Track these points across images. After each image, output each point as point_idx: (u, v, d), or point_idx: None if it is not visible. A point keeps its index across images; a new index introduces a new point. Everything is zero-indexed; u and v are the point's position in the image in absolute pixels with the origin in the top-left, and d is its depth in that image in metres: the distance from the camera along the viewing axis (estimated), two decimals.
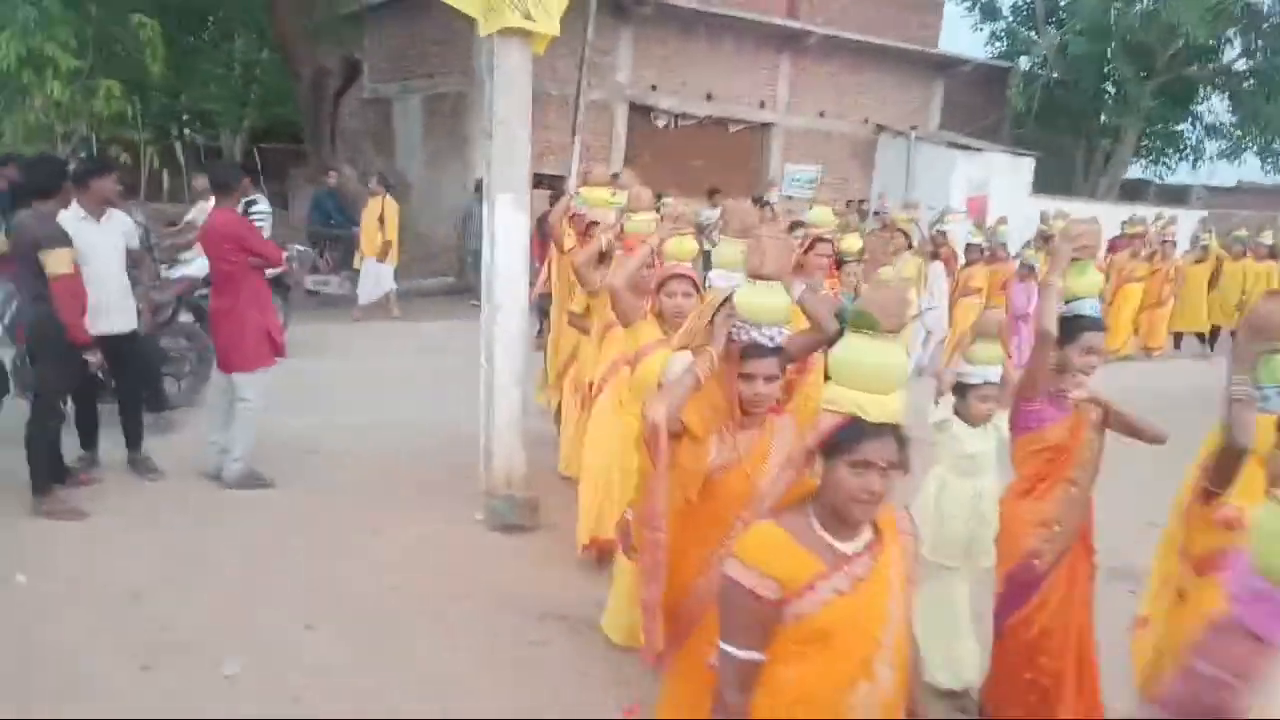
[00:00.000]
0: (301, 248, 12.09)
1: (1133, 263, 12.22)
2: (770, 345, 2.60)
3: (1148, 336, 12.61)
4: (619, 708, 3.59)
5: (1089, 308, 3.30)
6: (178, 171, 17.86)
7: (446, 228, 15.16)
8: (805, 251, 4.86)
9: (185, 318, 7.18)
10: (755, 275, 2.65)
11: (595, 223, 5.52)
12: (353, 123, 18.82)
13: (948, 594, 3.77)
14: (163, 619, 4.06)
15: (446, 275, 14.07)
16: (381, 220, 11.36)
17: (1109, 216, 13.70)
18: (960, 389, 3.69)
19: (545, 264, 7.03)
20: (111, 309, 5.35)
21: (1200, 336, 13.30)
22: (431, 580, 4.61)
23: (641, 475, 2.90)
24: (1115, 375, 3.98)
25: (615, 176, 6.45)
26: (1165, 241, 12.60)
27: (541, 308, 7.56)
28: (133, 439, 5.75)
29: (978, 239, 10.77)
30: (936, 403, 3.84)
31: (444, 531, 5.21)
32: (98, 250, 5.22)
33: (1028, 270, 9.99)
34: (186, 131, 19.51)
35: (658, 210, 5.33)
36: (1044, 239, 11.40)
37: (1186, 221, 15.70)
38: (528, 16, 4.78)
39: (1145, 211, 16.14)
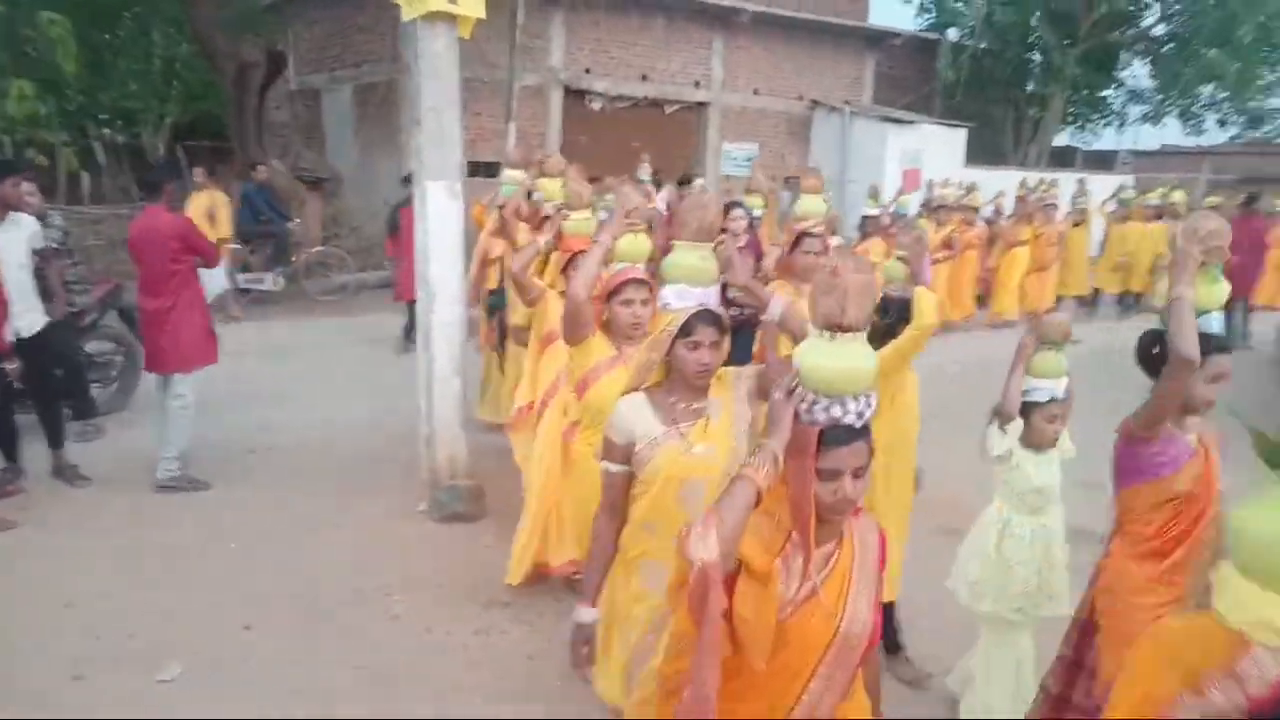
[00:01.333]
0: (233, 245, 11.85)
1: (1016, 227, 12.14)
2: (859, 425, 1.88)
3: (1033, 300, 12.29)
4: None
5: (1215, 324, 2.76)
6: (98, 172, 17.32)
7: (382, 220, 14.94)
8: (791, 250, 4.17)
9: (111, 322, 6.96)
10: (831, 326, 1.87)
11: (547, 218, 5.01)
12: (280, 115, 18.44)
13: (1013, 650, 3.33)
14: (96, 627, 3.96)
15: (384, 268, 13.87)
16: (212, 217, 10.61)
17: (1090, 186, 14.16)
18: (1022, 408, 3.21)
19: (479, 260, 6.40)
20: (13, 313, 5.18)
21: (1081, 300, 13.21)
22: (374, 574, 4.55)
23: (676, 639, 2.01)
24: (1007, 341, 3.99)
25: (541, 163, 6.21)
26: (1047, 205, 12.47)
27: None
28: (53, 438, 5.60)
29: (874, 210, 10.42)
30: (1001, 430, 3.25)
31: (387, 524, 5.15)
32: None
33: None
34: (106, 130, 18.88)
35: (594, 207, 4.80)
36: (932, 209, 11.49)
37: (1108, 185, 15.99)
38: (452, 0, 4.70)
39: (1070, 177, 16.55)
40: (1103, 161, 26.90)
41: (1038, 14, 20.19)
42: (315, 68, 17.69)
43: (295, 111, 18.48)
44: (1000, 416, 3.21)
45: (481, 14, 4.78)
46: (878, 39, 20.32)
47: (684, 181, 10.38)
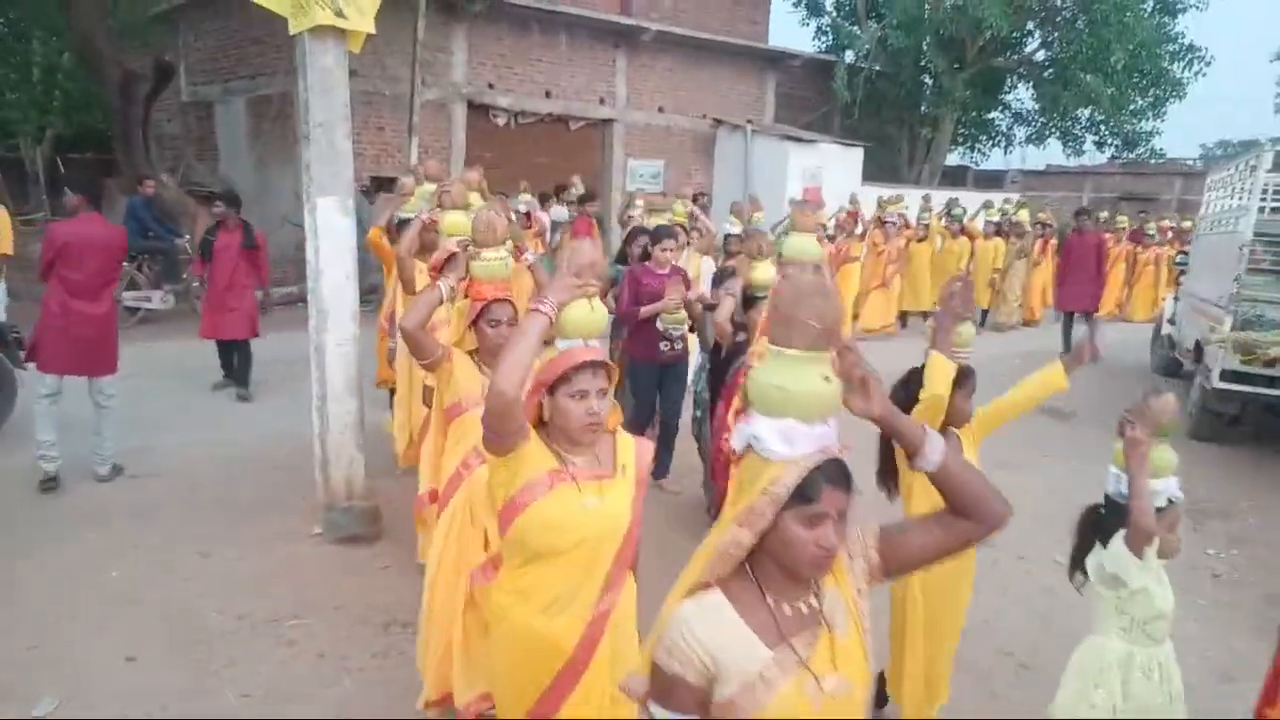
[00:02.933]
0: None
1: (849, 242, 12.14)
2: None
3: (871, 317, 12.45)
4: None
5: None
6: None
7: (280, 235, 14.55)
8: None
9: None
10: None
11: (452, 255, 3.70)
12: (171, 128, 17.83)
13: None
14: None
15: (282, 284, 13.51)
16: None
17: (934, 201, 14.62)
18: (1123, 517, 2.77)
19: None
20: None
21: (925, 315, 12.93)
22: (267, 599, 4.43)
23: None
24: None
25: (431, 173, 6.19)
26: (886, 222, 12.68)
27: None
28: None
29: (736, 229, 9.12)
30: (1103, 543, 2.84)
31: (280, 548, 5.02)
32: None
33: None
34: None
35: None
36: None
37: (975, 203, 16.63)
38: (339, 14, 4.65)
39: (966, 195, 17.30)
40: (993, 181, 28.09)
41: (928, 39, 21.02)
42: (208, 79, 17.17)
43: (187, 124, 17.88)
44: (1136, 536, 2.70)
45: (371, 29, 4.74)
46: (777, 60, 20.85)
47: (584, 199, 10.43)
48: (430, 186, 5.97)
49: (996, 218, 14.16)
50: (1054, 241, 14.78)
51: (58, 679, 3.68)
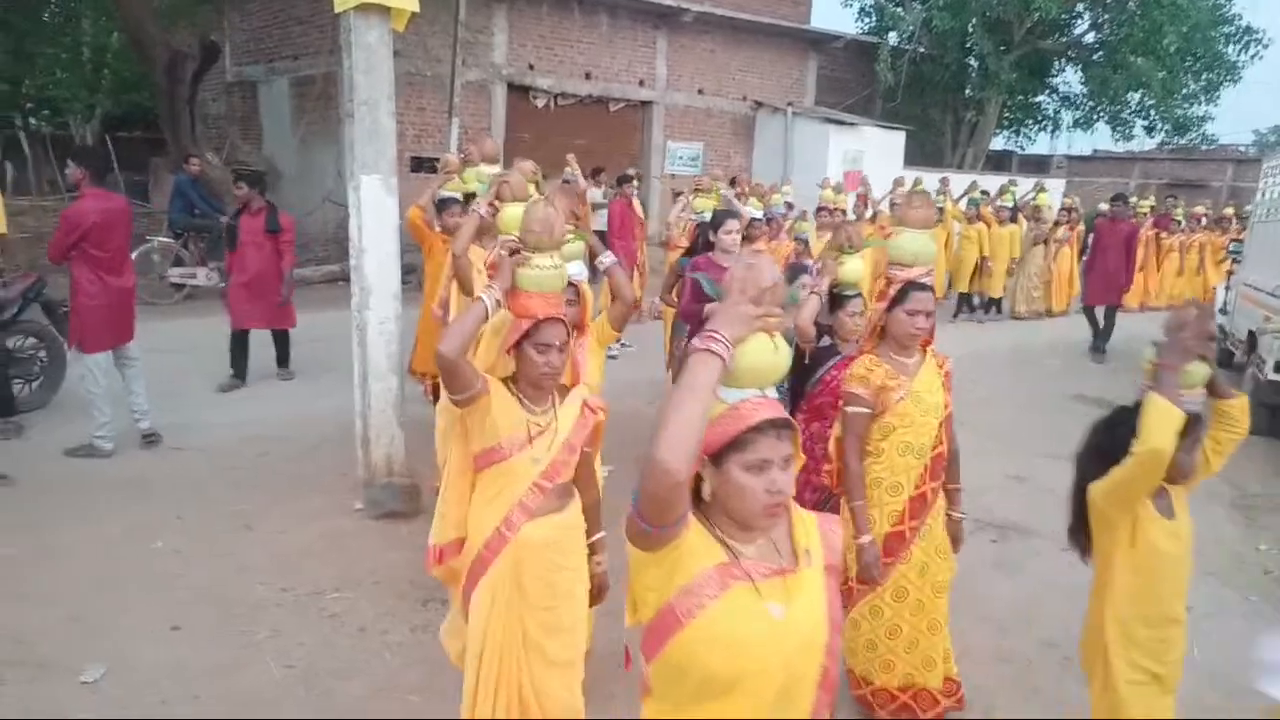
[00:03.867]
0: (164, 239, 11.57)
1: (858, 225, 11.62)
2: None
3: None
4: None
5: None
6: (23, 163, 16.75)
7: (322, 214, 14.70)
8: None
9: (34, 316, 6.74)
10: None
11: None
12: (216, 107, 18.05)
13: None
14: (14, 630, 3.84)
15: (324, 262, 13.67)
16: None
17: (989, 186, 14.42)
18: None
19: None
20: None
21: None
22: (308, 573, 4.49)
23: None
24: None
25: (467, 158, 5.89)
26: (894, 205, 11.76)
27: None
28: None
29: (757, 212, 8.90)
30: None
31: (322, 523, 5.08)
32: None
33: (802, 245, 8.10)
34: (31, 120, 18.27)
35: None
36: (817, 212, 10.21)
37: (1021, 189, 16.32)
38: None
39: (1009, 181, 16.95)
40: (1038, 166, 27.61)
41: (974, 21, 20.62)
42: (252, 59, 17.32)
43: (231, 103, 18.08)
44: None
45: (415, 7, 4.74)
46: (819, 42, 20.59)
47: (623, 180, 10.35)
48: (487, 168, 5.43)
49: (1010, 203, 13.53)
50: (1080, 228, 14.27)
51: (103, 647, 3.76)
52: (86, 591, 4.22)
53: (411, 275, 9.48)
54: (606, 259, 3.41)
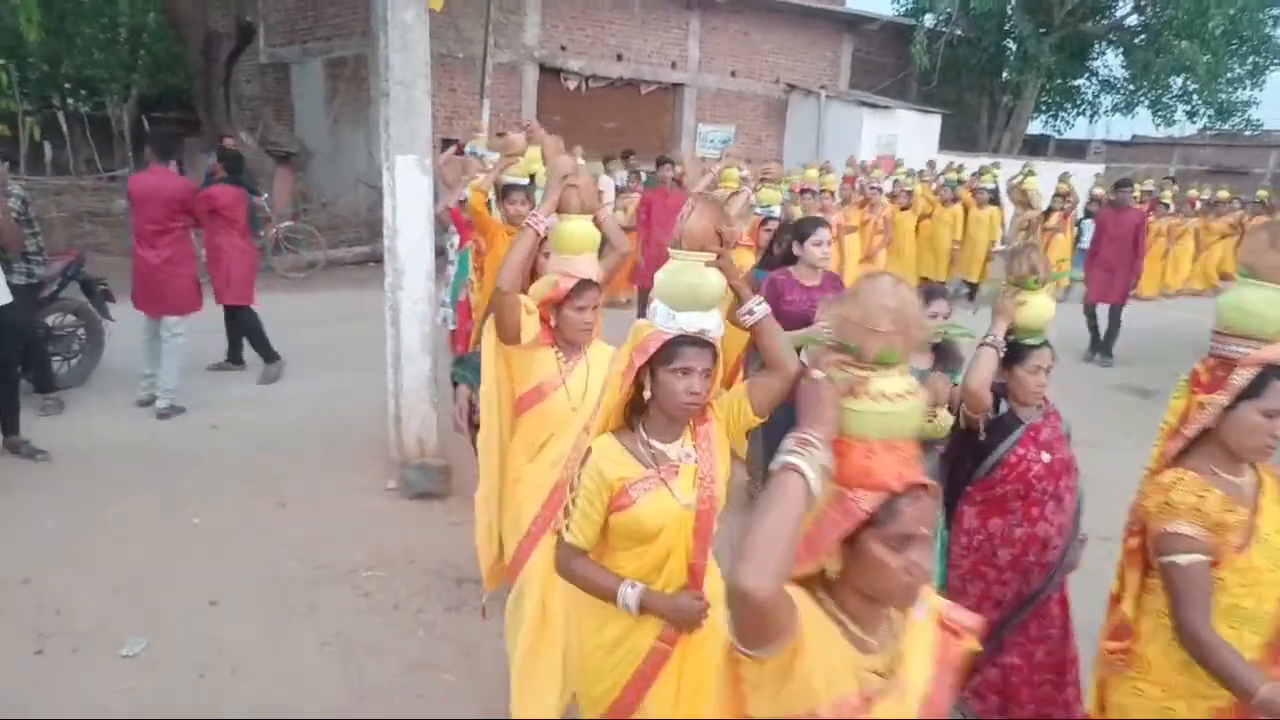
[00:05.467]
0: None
1: (844, 209, 10.80)
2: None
3: None
4: None
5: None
6: (62, 143, 16.97)
7: (353, 195, 14.78)
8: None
9: (72, 294, 6.83)
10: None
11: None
12: (250, 89, 18.17)
13: None
14: (56, 602, 3.90)
15: (356, 244, 13.74)
16: None
17: (1011, 170, 14.09)
18: None
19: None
20: None
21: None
22: (342, 551, 4.52)
23: None
24: None
25: (501, 135, 5.71)
26: (874, 189, 11.61)
27: None
28: (8, 423, 5.50)
29: (776, 208, 7.82)
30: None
31: (355, 502, 5.11)
32: None
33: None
34: (70, 101, 18.47)
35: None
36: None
37: (1084, 175, 16.05)
38: None
39: (1044, 165, 16.67)
40: (1076, 151, 27.13)
41: (1014, 2, 20.27)
42: (286, 40, 17.40)
43: (265, 85, 18.19)
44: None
45: None
46: (854, 23, 20.33)
47: (660, 163, 10.16)
48: (537, 150, 5.23)
49: (990, 184, 12.86)
50: (1075, 214, 13.41)
51: (144, 620, 3.81)
52: (127, 565, 4.28)
53: (438, 258, 9.46)
54: (758, 309, 2.27)
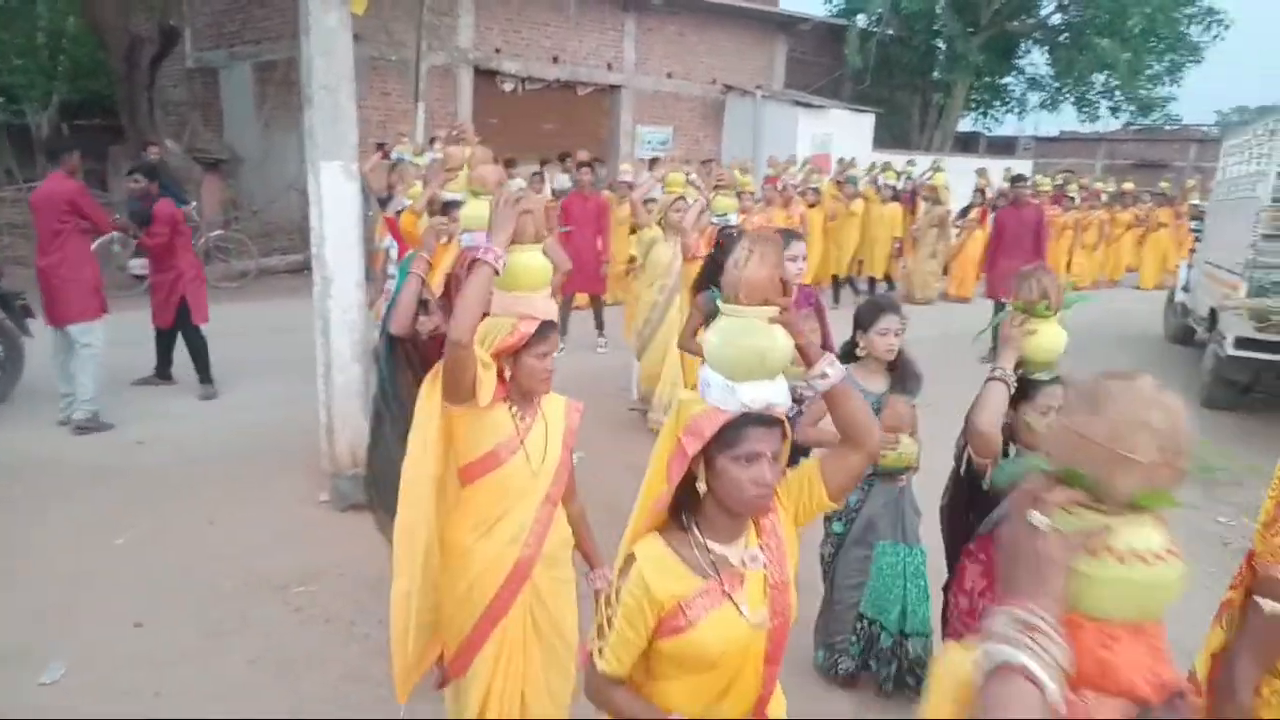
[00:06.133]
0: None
1: (768, 210, 11.02)
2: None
3: None
4: None
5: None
6: None
7: (285, 202, 14.51)
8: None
9: None
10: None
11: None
12: (177, 94, 17.73)
13: None
14: None
15: (289, 252, 13.49)
16: None
17: (949, 167, 14.34)
18: None
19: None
20: None
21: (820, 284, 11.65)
22: (273, 565, 4.43)
23: None
24: None
25: (433, 141, 5.75)
26: (794, 186, 11.86)
27: None
28: None
29: (733, 214, 7.48)
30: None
31: (286, 515, 5.02)
32: None
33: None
34: None
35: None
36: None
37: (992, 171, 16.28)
38: None
39: (982, 163, 17.06)
40: (1006, 147, 27.81)
41: (942, 3, 20.70)
42: (213, 44, 17.02)
43: (192, 90, 17.77)
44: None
45: None
46: (788, 24, 20.56)
47: (580, 165, 10.02)
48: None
49: (894, 180, 13.09)
50: (989, 209, 13.30)
51: (66, 643, 3.69)
52: (49, 587, 4.15)
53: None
54: (832, 370, 1.81)
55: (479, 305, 2.31)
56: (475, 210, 3.60)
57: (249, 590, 4.21)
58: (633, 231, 7.87)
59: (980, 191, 13.42)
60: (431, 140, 11.34)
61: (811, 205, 12.09)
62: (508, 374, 2.50)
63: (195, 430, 6.31)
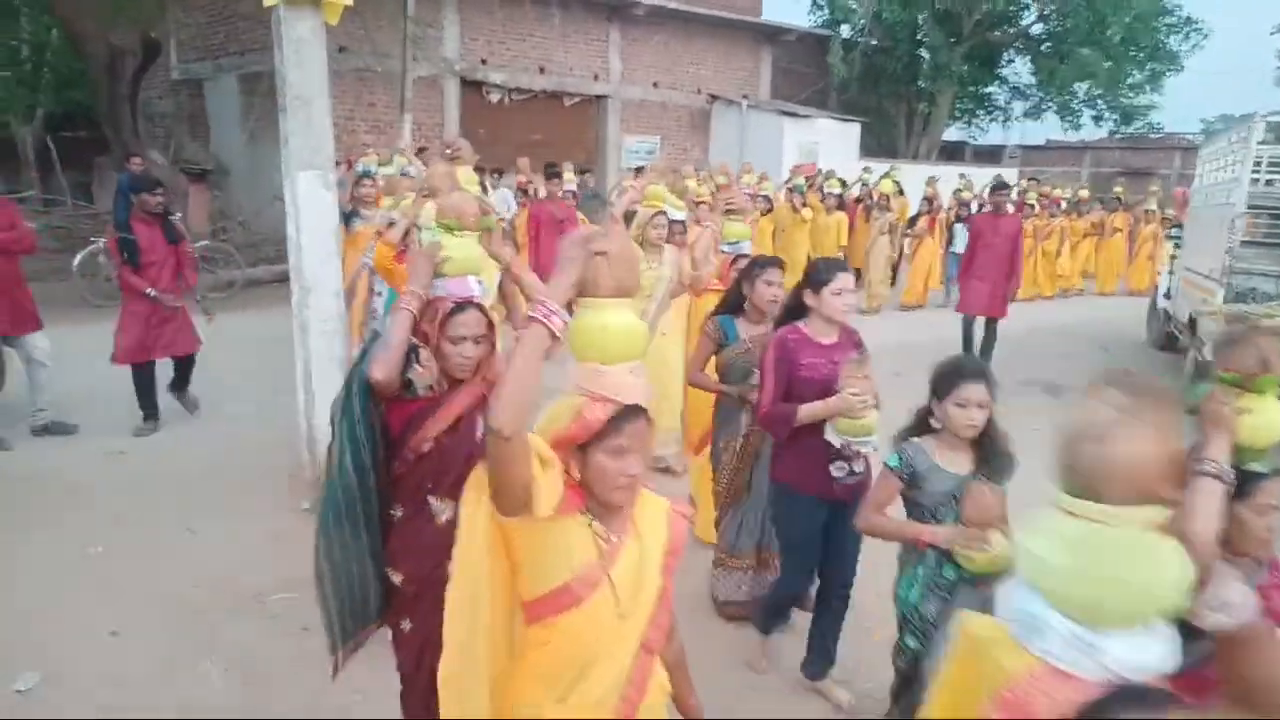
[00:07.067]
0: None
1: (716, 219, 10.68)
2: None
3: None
4: None
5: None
6: None
7: (271, 213, 14.49)
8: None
9: None
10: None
11: None
12: (162, 105, 17.73)
13: None
14: None
15: (276, 262, 13.47)
16: None
17: (928, 176, 14.47)
18: None
19: None
20: None
21: None
22: (252, 574, 4.43)
23: None
24: None
25: (421, 151, 5.73)
26: (755, 196, 11.32)
27: None
28: None
29: (679, 215, 7.02)
30: None
31: (266, 524, 5.01)
32: None
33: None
34: None
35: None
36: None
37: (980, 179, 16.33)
38: None
39: (968, 171, 17.17)
40: (991, 156, 27.99)
41: (925, 13, 20.87)
42: (199, 56, 17.03)
43: (179, 101, 17.77)
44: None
45: (348, 0, 4.69)
46: (773, 34, 20.70)
47: (550, 176, 10.05)
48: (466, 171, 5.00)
49: (838, 189, 12.87)
50: (941, 216, 13.34)
51: (40, 654, 3.69)
52: (24, 597, 4.14)
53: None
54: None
55: (528, 383, 1.66)
56: (458, 251, 2.72)
57: (227, 597, 4.21)
58: None
59: (928, 200, 13.32)
60: (420, 150, 11.38)
61: (765, 213, 11.94)
62: (578, 474, 1.81)
63: (176, 441, 6.31)
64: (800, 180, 13.09)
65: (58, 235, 13.15)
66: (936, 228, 13.20)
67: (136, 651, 3.76)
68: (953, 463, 2.80)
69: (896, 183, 13.16)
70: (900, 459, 2.84)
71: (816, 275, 3.42)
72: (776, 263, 4.08)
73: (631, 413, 1.76)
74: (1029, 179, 17.36)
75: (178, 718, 3.35)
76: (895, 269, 13.13)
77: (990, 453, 2.80)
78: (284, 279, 12.68)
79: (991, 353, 8.93)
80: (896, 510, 2.92)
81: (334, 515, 2.62)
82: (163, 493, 5.38)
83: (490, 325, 2.59)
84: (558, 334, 1.70)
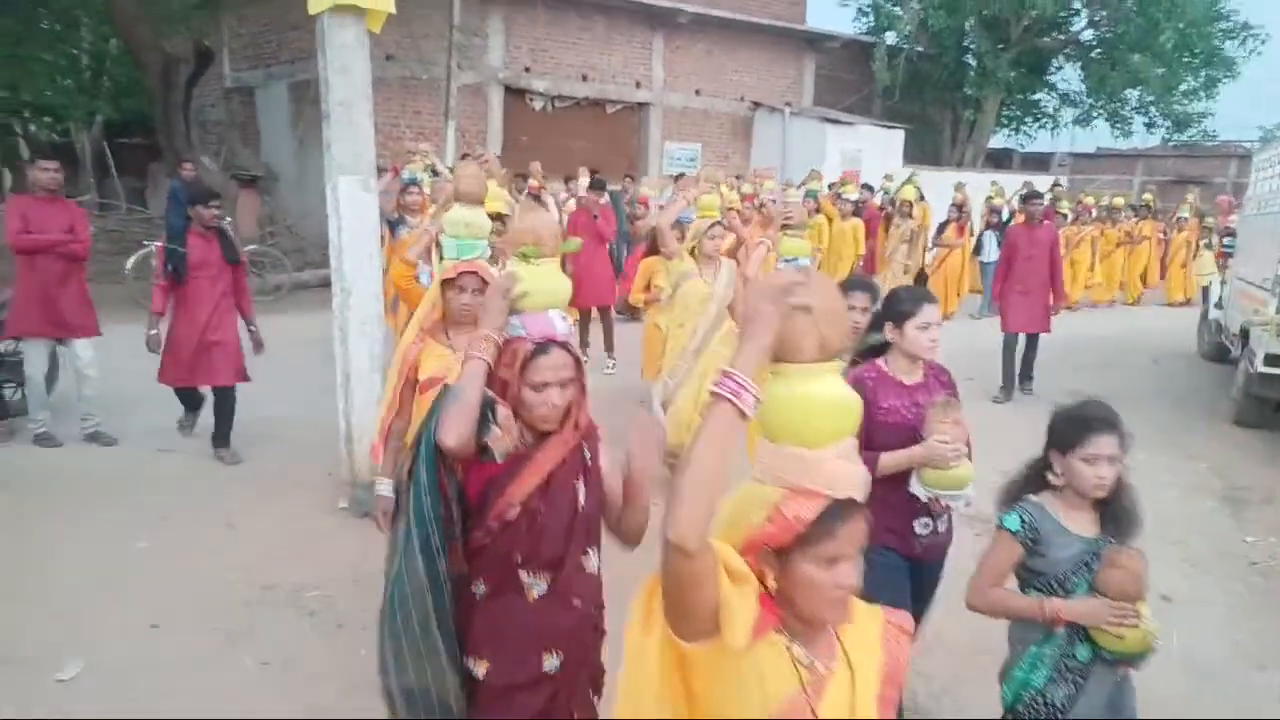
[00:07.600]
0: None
1: (750, 228, 10.18)
2: None
3: None
4: None
5: None
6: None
7: (318, 217, 14.76)
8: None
9: None
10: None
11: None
12: (215, 113, 18.15)
13: None
14: None
15: (322, 266, 13.70)
16: None
17: (975, 184, 14.29)
18: None
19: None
20: None
21: None
22: (290, 571, 4.51)
23: None
24: None
25: (466, 156, 5.82)
26: (764, 203, 10.77)
27: None
28: None
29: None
30: None
31: (305, 522, 5.11)
32: None
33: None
34: (32, 127, 18.35)
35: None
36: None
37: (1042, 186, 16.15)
38: None
39: (1010, 179, 16.92)
40: (1040, 163, 27.55)
41: (971, 19, 20.65)
42: (250, 64, 17.42)
43: (231, 109, 18.18)
44: None
45: (390, 9, 4.78)
46: (816, 41, 20.61)
47: (595, 185, 10.10)
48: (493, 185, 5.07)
49: (853, 194, 12.64)
50: (970, 224, 13.08)
51: (82, 645, 3.78)
52: (69, 590, 4.25)
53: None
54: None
55: (715, 480, 1.34)
56: (537, 282, 2.22)
57: (264, 593, 4.29)
58: (652, 252, 6.95)
59: (958, 206, 12.96)
60: (462, 156, 11.52)
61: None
62: (771, 585, 1.49)
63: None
64: (815, 185, 12.85)
65: (112, 238, 13.51)
66: (966, 235, 12.92)
67: (175, 644, 3.84)
68: (1077, 524, 2.45)
69: (918, 188, 12.87)
70: (1022, 521, 2.47)
71: (899, 307, 3.05)
72: (864, 285, 3.69)
73: (845, 510, 1.43)
74: (1054, 185, 16.80)
75: (214, 709, 3.42)
76: (918, 277, 12.93)
77: (1117, 511, 2.45)
78: (329, 283, 12.95)
79: (1033, 366, 8.81)
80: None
81: (403, 618, 2.16)
82: (202, 489, 5.51)
83: (578, 364, 2.21)
84: (748, 413, 1.37)
